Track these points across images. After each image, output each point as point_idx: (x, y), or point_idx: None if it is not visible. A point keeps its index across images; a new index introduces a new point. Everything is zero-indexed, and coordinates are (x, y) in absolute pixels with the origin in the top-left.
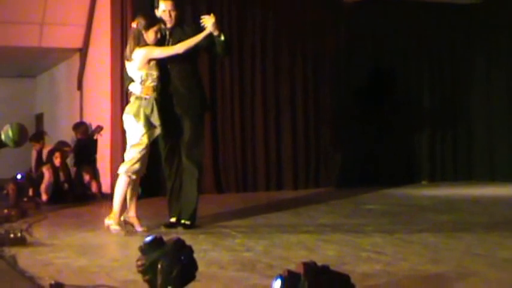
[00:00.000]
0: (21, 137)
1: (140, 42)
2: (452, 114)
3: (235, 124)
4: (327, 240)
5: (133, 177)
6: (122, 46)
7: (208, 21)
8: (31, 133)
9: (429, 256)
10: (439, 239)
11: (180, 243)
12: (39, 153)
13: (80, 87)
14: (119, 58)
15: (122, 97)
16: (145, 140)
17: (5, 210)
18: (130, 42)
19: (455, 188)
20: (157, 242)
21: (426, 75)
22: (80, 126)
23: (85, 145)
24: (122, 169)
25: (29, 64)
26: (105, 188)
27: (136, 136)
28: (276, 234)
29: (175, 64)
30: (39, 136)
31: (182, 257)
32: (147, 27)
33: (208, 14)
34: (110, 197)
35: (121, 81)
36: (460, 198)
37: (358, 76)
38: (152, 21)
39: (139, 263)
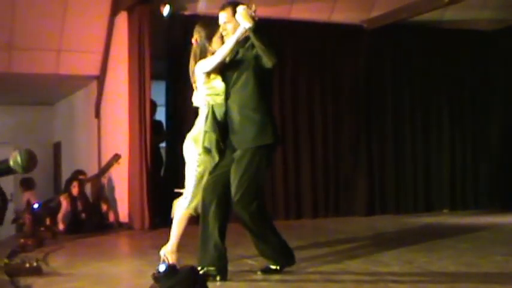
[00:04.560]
0: (30, 163)
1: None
2: (473, 141)
3: None
4: (345, 270)
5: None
6: (139, 73)
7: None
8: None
9: (447, 285)
10: (458, 268)
11: (194, 273)
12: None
13: (97, 115)
14: (137, 85)
15: (140, 125)
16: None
17: (22, 240)
18: (191, 63)
19: (477, 216)
20: (171, 270)
21: (446, 104)
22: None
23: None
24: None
25: (46, 92)
26: (123, 218)
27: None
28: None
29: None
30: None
31: (195, 287)
32: (211, 36)
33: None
34: (127, 226)
35: (139, 109)
36: (482, 226)
37: (377, 104)
38: (213, 27)
39: None
